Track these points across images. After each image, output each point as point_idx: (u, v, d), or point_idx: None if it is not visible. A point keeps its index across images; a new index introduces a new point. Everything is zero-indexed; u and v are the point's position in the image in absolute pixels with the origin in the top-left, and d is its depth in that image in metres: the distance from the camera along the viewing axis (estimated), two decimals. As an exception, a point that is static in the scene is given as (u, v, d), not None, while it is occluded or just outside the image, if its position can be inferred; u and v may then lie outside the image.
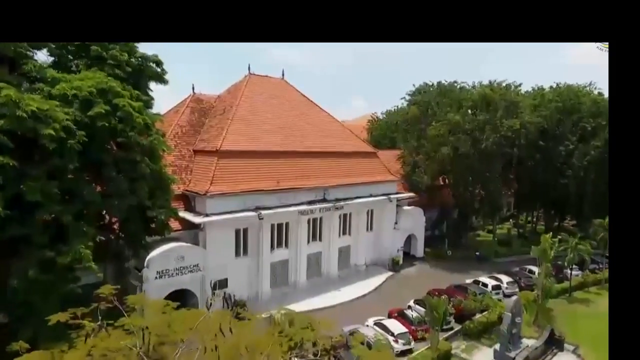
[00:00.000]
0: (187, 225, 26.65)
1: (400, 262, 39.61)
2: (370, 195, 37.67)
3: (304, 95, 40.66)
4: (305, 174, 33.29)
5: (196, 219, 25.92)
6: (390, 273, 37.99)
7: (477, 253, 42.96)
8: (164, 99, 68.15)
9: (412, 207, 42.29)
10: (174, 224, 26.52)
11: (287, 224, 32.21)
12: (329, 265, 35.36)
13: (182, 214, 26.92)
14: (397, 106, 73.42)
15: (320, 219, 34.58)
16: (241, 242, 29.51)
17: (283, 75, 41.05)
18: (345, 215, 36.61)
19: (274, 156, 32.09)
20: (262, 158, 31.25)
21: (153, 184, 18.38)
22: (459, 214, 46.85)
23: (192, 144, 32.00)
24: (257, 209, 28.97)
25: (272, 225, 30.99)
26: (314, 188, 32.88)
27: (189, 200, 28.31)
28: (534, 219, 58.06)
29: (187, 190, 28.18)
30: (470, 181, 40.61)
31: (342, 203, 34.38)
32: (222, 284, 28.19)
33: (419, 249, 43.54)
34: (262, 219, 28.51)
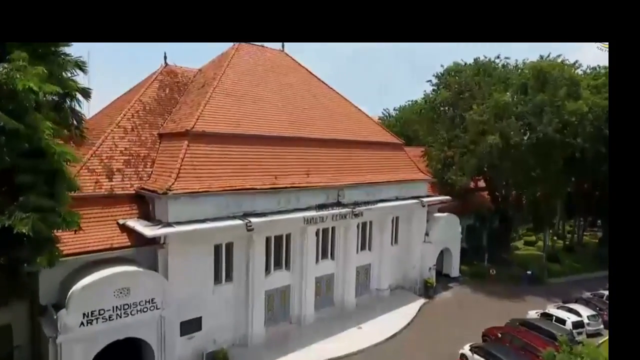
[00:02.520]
0: (140, 240, 17.81)
1: (434, 284, 30.71)
2: (397, 199, 28.89)
3: (310, 72, 32.07)
4: (314, 168, 24.55)
5: (148, 231, 17.04)
6: (423, 300, 29.07)
7: (528, 272, 33.98)
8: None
9: (447, 214, 33.45)
10: (121, 239, 17.81)
11: (288, 236, 23.42)
12: (344, 292, 26.46)
13: (133, 222, 18.13)
14: (412, 101, 65.60)
15: (333, 229, 25.79)
16: (222, 262, 20.67)
17: (283, 47, 32.55)
18: (364, 224, 27.80)
19: (271, 143, 23.34)
20: (254, 145, 22.50)
21: (11, 160, 9.46)
22: (501, 222, 37.89)
23: (158, 127, 23.27)
24: (245, 215, 20.18)
25: (268, 239, 22.19)
26: (325, 187, 24.12)
27: (146, 204, 19.51)
28: (579, 228, 49.09)
29: (142, 189, 19.38)
30: (521, 180, 31.65)
31: (362, 208, 25.57)
32: (194, 325, 19.32)
33: (454, 267, 34.63)
34: (252, 229, 19.68)
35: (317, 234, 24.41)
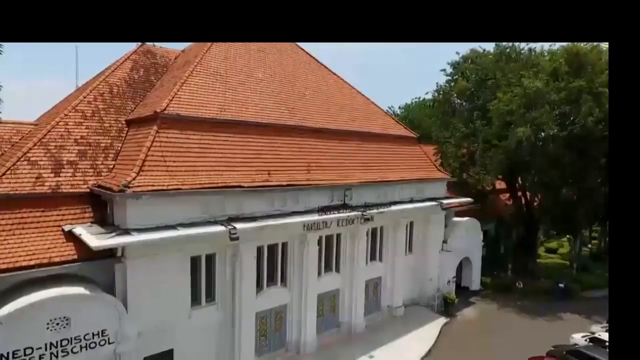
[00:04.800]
0: (92, 252, 13.58)
1: (456, 300, 26.49)
2: (412, 200, 24.78)
3: (311, 56, 28.04)
4: (316, 163, 20.50)
5: (95, 240, 12.79)
6: (443, 319, 24.85)
7: (560, 285, 29.72)
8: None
9: (467, 218, 29.29)
10: (65, 251, 13.64)
11: (284, 245, 19.32)
12: (351, 311, 22.25)
13: (81, 229, 13.95)
14: (419, 97, 61.74)
15: (338, 236, 21.68)
16: (202, 279, 16.52)
17: (280, 28, 28.50)
18: (374, 230, 23.67)
19: (264, 132, 19.28)
20: (243, 134, 18.44)
21: None
22: (526, 228, 33.69)
23: (127, 113, 19.17)
24: (229, 220, 16.05)
25: (259, 249, 18.05)
26: (329, 186, 20.02)
27: (103, 205, 15.37)
28: (606, 233, 44.77)
29: (96, 187, 15.22)
30: (555, 178, 27.42)
31: (373, 211, 21.40)
32: (163, 360, 15.12)
33: (475, 279, 30.47)
34: (236, 238, 15.48)
35: (319, 242, 20.30)
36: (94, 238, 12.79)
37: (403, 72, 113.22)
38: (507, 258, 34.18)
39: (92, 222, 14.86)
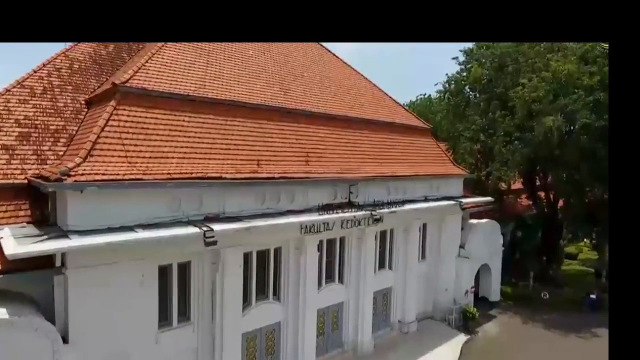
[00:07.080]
0: (23, 261, 10.24)
1: (476, 314, 23.14)
2: (426, 199, 21.53)
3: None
4: (316, 153, 17.27)
5: (16, 246, 9.48)
6: (463, 336, 21.55)
7: (592, 295, 26.40)
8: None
9: (486, 220, 25.99)
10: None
11: (277, 251, 16.05)
12: (357, 328, 18.95)
13: (7, 232, 10.66)
14: (425, 94, 58.80)
15: (342, 240, 18.43)
16: (173, 294, 13.24)
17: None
18: (383, 233, 20.42)
19: (253, 115, 16.03)
20: (226, 116, 15.19)
21: None
22: (548, 231, 30.41)
23: (89, 92, 15.94)
24: (207, 220, 12.77)
25: (247, 256, 14.77)
26: (332, 181, 16.75)
27: (44, 201, 12.11)
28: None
29: (37, 177, 11.95)
30: (587, 175, 24.16)
31: (384, 210, 18.12)
32: (118, 400, 11.77)
33: (494, 289, 27.08)
34: (213, 242, 12.14)
35: (319, 247, 17.06)
36: (15, 243, 9.50)
37: (404, 72, 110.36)
38: (526, 264, 30.82)
39: (27, 222, 11.62)
